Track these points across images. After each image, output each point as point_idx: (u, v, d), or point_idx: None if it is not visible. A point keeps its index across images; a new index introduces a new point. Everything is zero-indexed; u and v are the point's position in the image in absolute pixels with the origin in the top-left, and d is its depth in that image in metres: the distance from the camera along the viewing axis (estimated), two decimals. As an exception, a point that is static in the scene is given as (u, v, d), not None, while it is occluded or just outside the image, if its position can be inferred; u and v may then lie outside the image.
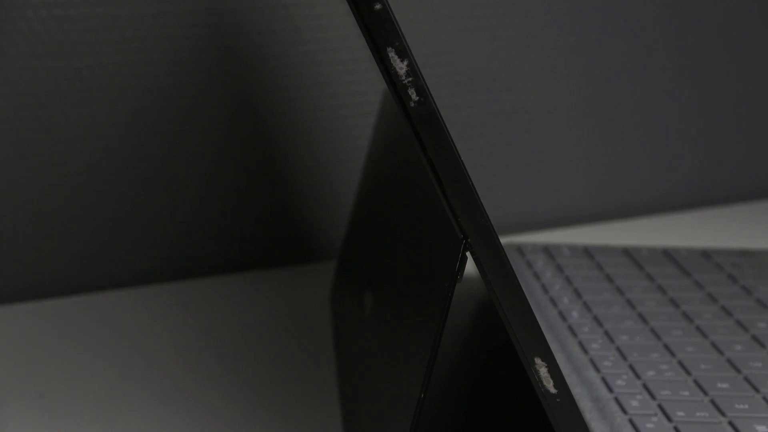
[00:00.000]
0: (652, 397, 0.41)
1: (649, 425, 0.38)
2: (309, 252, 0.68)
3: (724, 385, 0.41)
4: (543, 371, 0.32)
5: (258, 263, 0.66)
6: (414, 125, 0.30)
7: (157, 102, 0.60)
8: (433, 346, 0.32)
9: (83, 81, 0.58)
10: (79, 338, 0.54)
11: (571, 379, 0.42)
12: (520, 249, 0.58)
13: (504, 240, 0.65)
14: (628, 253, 0.57)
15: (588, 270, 0.55)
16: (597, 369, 0.43)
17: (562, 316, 0.48)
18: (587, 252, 0.57)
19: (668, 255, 0.57)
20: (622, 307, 0.50)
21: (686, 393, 0.41)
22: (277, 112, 0.63)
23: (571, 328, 0.47)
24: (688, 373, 0.43)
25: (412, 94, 0.30)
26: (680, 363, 0.44)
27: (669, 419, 0.39)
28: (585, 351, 0.45)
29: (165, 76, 0.60)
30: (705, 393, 0.41)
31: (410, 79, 0.29)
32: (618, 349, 0.45)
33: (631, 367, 0.43)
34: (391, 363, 0.37)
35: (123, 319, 0.57)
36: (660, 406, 0.40)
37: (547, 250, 0.58)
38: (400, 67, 0.29)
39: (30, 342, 0.54)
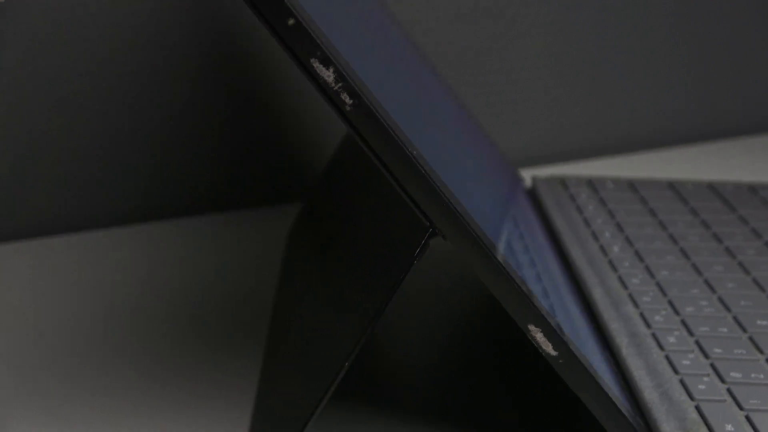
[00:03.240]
0: (690, 333, 0.41)
1: (686, 362, 0.38)
2: (284, 193, 0.67)
3: (764, 322, 0.41)
4: (539, 336, 0.32)
5: (232, 204, 0.66)
6: (355, 128, 0.30)
7: (133, 49, 0.60)
8: (369, 322, 0.32)
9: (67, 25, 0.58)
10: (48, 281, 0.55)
11: (608, 314, 0.43)
12: (563, 182, 0.58)
13: (548, 171, 0.65)
14: (673, 187, 0.57)
15: (631, 204, 0.54)
16: (636, 304, 0.43)
17: (603, 251, 0.48)
18: (631, 185, 0.57)
19: (714, 189, 0.56)
20: (664, 242, 0.49)
21: (725, 330, 0.41)
22: (252, 52, 0.62)
23: (611, 263, 0.47)
24: (728, 309, 0.43)
25: (345, 98, 0.30)
26: (720, 299, 0.44)
27: (706, 356, 0.39)
28: (624, 286, 0.45)
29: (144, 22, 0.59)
30: (744, 330, 0.41)
31: (340, 84, 0.29)
32: (658, 285, 0.45)
33: (670, 303, 0.43)
34: (327, 322, 0.37)
35: (93, 260, 0.57)
36: (697, 343, 0.40)
37: (591, 184, 0.57)
38: (327, 75, 0.29)
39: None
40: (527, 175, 0.60)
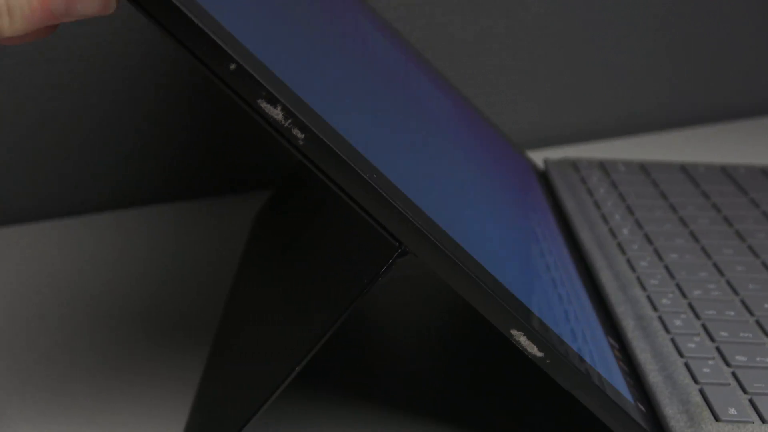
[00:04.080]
0: (697, 316, 0.41)
1: (691, 345, 0.39)
2: (257, 180, 0.66)
3: (771, 306, 0.41)
4: (523, 339, 0.33)
5: (205, 191, 0.65)
6: (311, 160, 0.30)
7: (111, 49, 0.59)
8: (323, 333, 0.32)
9: None
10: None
11: (616, 297, 0.43)
12: (575, 164, 0.58)
13: (559, 153, 0.65)
14: (685, 169, 0.57)
15: (642, 186, 0.54)
16: (643, 287, 0.43)
17: (613, 233, 0.48)
18: (643, 168, 0.57)
19: (726, 172, 0.56)
20: (674, 225, 0.49)
21: (732, 313, 0.41)
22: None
23: (620, 246, 0.47)
24: (736, 292, 0.43)
25: (297, 133, 0.30)
26: (728, 282, 0.44)
27: (712, 339, 0.39)
28: (633, 269, 0.45)
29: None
30: (751, 313, 0.41)
31: (290, 120, 0.29)
32: (666, 268, 0.45)
33: (678, 286, 0.43)
34: (281, 327, 0.36)
35: (56, 250, 0.56)
36: (703, 326, 0.40)
37: (603, 166, 0.57)
38: (276, 113, 0.29)
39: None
40: (540, 156, 0.60)
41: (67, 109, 0.59)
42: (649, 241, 0.48)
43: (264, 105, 0.29)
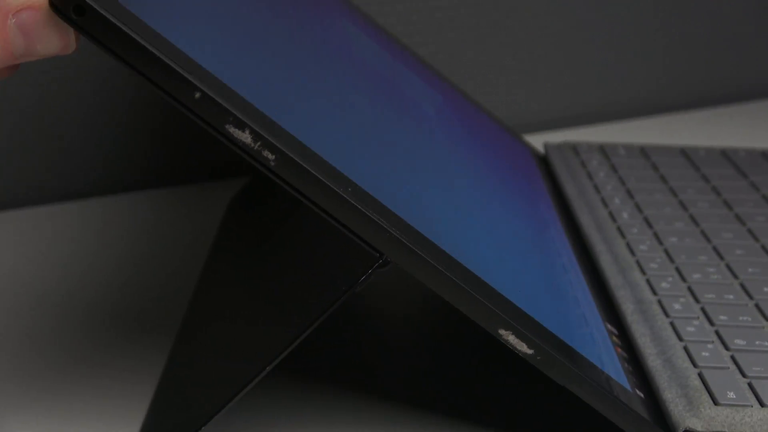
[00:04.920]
0: (696, 300, 0.41)
1: (690, 329, 0.39)
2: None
3: (771, 290, 0.41)
4: (512, 338, 0.33)
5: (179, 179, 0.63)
6: (284, 180, 0.30)
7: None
8: (295, 338, 0.32)
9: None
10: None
11: (615, 281, 0.43)
12: (575, 148, 0.57)
13: (560, 136, 0.65)
14: (685, 153, 0.57)
15: (643, 170, 0.54)
16: (643, 271, 0.43)
17: (612, 217, 0.48)
18: (643, 152, 0.57)
19: (726, 156, 0.56)
20: (674, 209, 0.49)
21: (731, 297, 0.41)
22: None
23: (620, 229, 0.47)
24: (735, 276, 0.43)
25: (268, 155, 0.29)
26: (728, 266, 0.44)
27: (711, 323, 0.39)
28: (632, 252, 0.45)
29: None
30: (750, 297, 0.41)
31: (259, 143, 0.29)
32: (666, 251, 0.45)
33: (678, 270, 0.43)
34: (251, 327, 0.36)
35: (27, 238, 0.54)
36: (703, 310, 0.40)
37: (603, 150, 0.57)
38: (245, 137, 0.29)
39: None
40: (540, 139, 0.60)
41: (36, 97, 0.58)
42: (649, 224, 0.48)
43: (232, 130, 0.29)
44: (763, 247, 0.45)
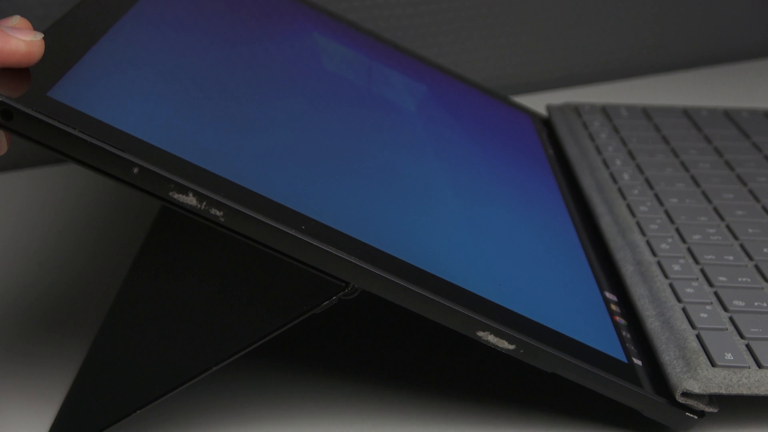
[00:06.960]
0: (696, 261, 0.41)
1: (689, 290, 0.39)
2: None
3: (771, 251, 0.41)
4: (491, 338, 0.32)
5: None
6: (237, 233, 0.30)
7: None
8: (245, 345, 0.32)
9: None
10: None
11: (615, 242, 0.43)
12: (577, 110, 0.57)
13: (561, 97, 0.64)
14: (687, 114, 0.56)
15: (644, 131, 0.54)
16: (643, 232, 0.43)
17: (613, 178, 0.48)
18: (645, 113, 0.57)
19: (728, 116, 0.56)
20: (675, 169, 0.49)
21: (731, 257, 0.41)
22: None
23: (620, 191, 0.47)
24: (735, 237, 0.43)
25: (216, 212, 0.29)
26: (728, 227, 0.44)
27: (710, 284, 0.39)
28: (633, 214, 0.45)
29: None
30: (750, 258, 0.41)
31: (204, 202, 0.29)
32: (666, 212, 0.45)
33: (678, 231, 0.43)
34: (198, 324, 0.34)
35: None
36: (702, 271, 0.40)
37: (605, 111, 0.57)
38: (190, 200, 0.29)
39: None
40: (542, 100, 0.60)
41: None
42: (650, 185, 0.47)
43: (177, 195, 0.29)
44: (764, 207, 0.45)
